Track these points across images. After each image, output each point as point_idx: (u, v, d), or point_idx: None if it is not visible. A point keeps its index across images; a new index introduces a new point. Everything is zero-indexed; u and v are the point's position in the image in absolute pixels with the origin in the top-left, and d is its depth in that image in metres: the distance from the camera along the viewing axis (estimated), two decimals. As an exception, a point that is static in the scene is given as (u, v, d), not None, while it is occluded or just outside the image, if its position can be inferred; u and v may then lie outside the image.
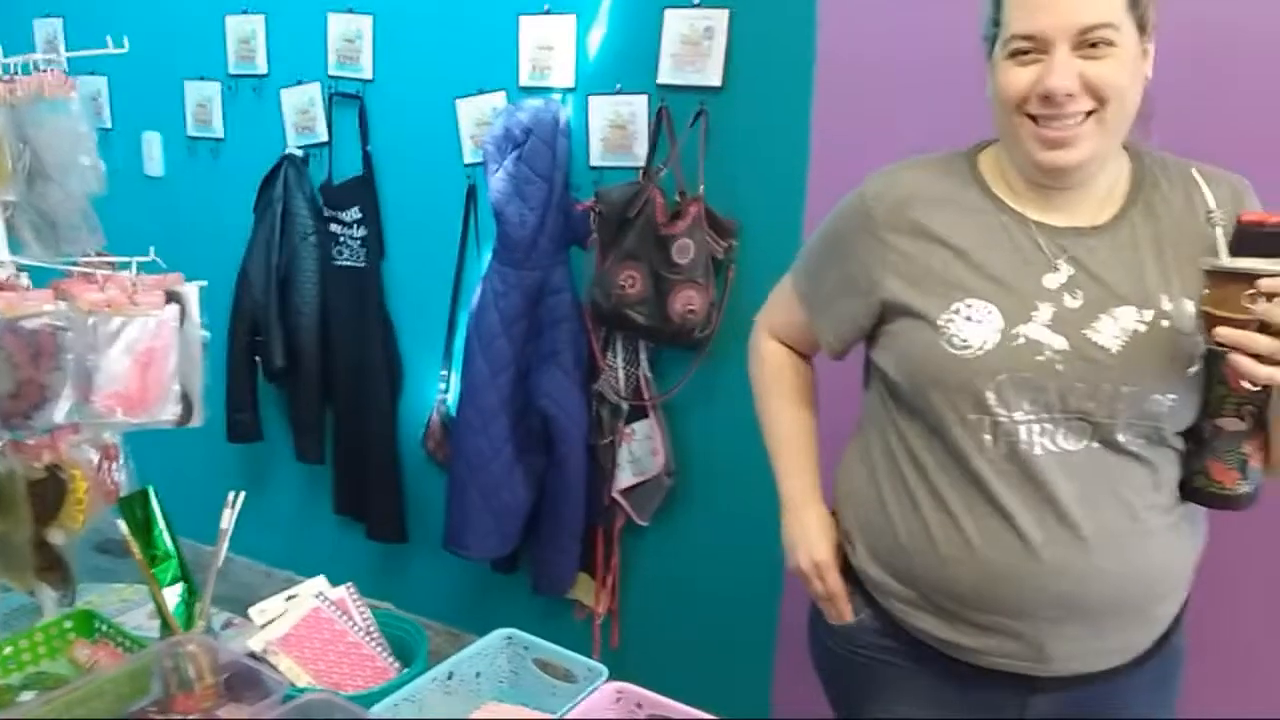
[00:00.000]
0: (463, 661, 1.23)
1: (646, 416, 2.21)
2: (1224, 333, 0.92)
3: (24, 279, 1.19)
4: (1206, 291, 0.95)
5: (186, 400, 1.29)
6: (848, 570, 1.23)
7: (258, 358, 2.74)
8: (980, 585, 1.07)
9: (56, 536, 1.23)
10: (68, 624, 1.26)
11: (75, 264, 1.16)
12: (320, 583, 1.34)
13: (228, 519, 1.23)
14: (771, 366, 1.35)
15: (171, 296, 1.21)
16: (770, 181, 2.00)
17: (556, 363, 2.21)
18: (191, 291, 1.24)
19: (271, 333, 2.64)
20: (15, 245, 1.16)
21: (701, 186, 2.01)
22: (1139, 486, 1.05)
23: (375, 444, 2.65)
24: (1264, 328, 0.90)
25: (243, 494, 1.26)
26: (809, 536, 1.27)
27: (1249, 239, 0.95)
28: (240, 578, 2.91)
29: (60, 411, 1.16)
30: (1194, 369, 1.03)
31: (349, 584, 1.35)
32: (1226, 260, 0.94)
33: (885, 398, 1.18)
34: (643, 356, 2.19)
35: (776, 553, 2.13)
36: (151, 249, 1.27)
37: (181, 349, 1.26)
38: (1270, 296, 0.89)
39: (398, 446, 2.65)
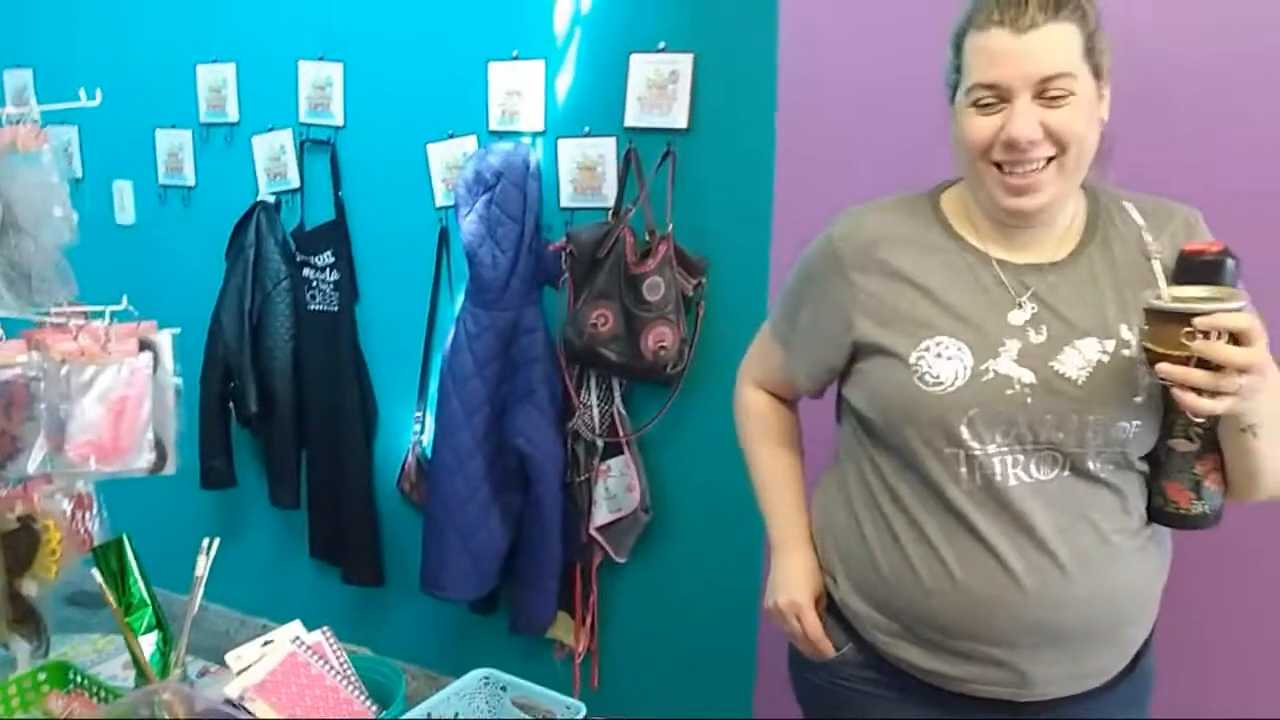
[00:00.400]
0: (440, 703, 1.23)
1: (622, 453, 2.23)
2: (1164, 369, 0.95)
3: (-4, 331, 1.20)
4: (1146, 328, 0.99)
5: (160, 448, 1.30)
6: (830, 604, 1.25)
7: (231, 404, 2.74)
8: (963, 615, 1.09)
9: (29, 588, 1.23)
10: (41, 675, 1.25)
11: (48, 314, 1.17)
12: (296, 627, 1.33)
13: (202, 565, 1.23)
14: (755, 414, 1.38)
15: (144, 345, 1.22)
16: (737, 219, 2.04)
17: (531, 402, 2.22)
18: (164, 339, 1.25)
19: (245, 378, 2.64)
20: (-13, 297, 1.17)
21: (670, 225, 2.05)
22: (1109, 511, 1.08)
23: (350, 487, 2.64)
24: (1202, 363, 0.93)
25: (217, 540, 1.26)
26: (791, 578, 1.29)
27: (1191, 268, 0.99)
28: (215, 626, 2.87)
29: (33, 462, 1.16)
30: (1151, 397, 1.06)
31: (325, 628, 1.35)
32: (1164, 299, 0.97)
33: (859, 433, 1.20)
34: (616, 394, 2.21)
35: (754, 585, 2.15)
36: (124, 297, 1.28)
37: (155, 396, 1.27)
38: (1206, 333, 0.93)
39: (373, 489, 2.65)
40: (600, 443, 2.23)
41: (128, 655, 1.22)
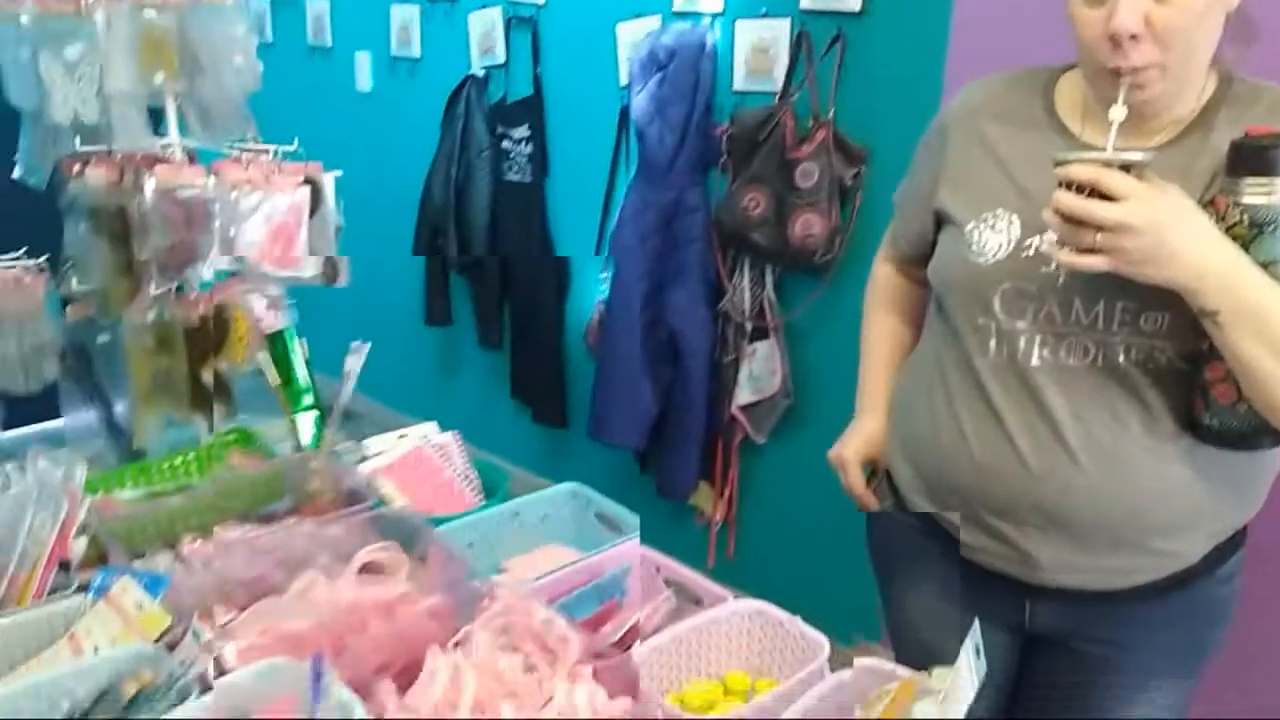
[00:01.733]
0: (529, 504, 1.43)
1: (768, 337, 2.33)
2: (1047, 215, 0.97)
3: (184, 157, 1.48)
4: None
5: (332, 262, 1.56)
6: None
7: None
8: (973, 482, 1.14)
9: (221, 367, 1.53)
10: (229, 437, 1.57)
11: (229, 147, 1.43)
12: (430, 427, 1.58)
13: (350, 363, 1.48)
14: (876, 283, 1.46)
15: (310, 181, 1.46)
16: (902, 110, 2.03)
17: (687, 280, 2.36)
18: (328, 179, 1.48)
19: (448, 239, 2.96)
20: (182, 129, 1.45)
21: (832, 112, 2.07)
22: (1134, 409, 1.07)
23: (543, 337, 2.92)
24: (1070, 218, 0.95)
25: (368, 344, 1.50)
26: (850, 436, 1.38)
27: (1241, 154, 0.95)
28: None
29: (208, 270, 1.45)
30: None
31: (455, 431, 1.59)
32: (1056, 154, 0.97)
33: (933, 304, 1.26)
34: (768, 279, 2.30)
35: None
36: (295, 140, 1.51)
37: (318, 229, 1.52)
38: (1071, 185, 0.94)
39: (563, 340, 2.90)
40: (749, 325, 2.33)
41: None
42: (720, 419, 2.45)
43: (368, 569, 1.24)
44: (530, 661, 1.06)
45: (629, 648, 1.10)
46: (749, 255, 2.27)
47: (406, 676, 1.05)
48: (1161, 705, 1.21)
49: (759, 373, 2.36)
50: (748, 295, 2.32)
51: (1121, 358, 1.06)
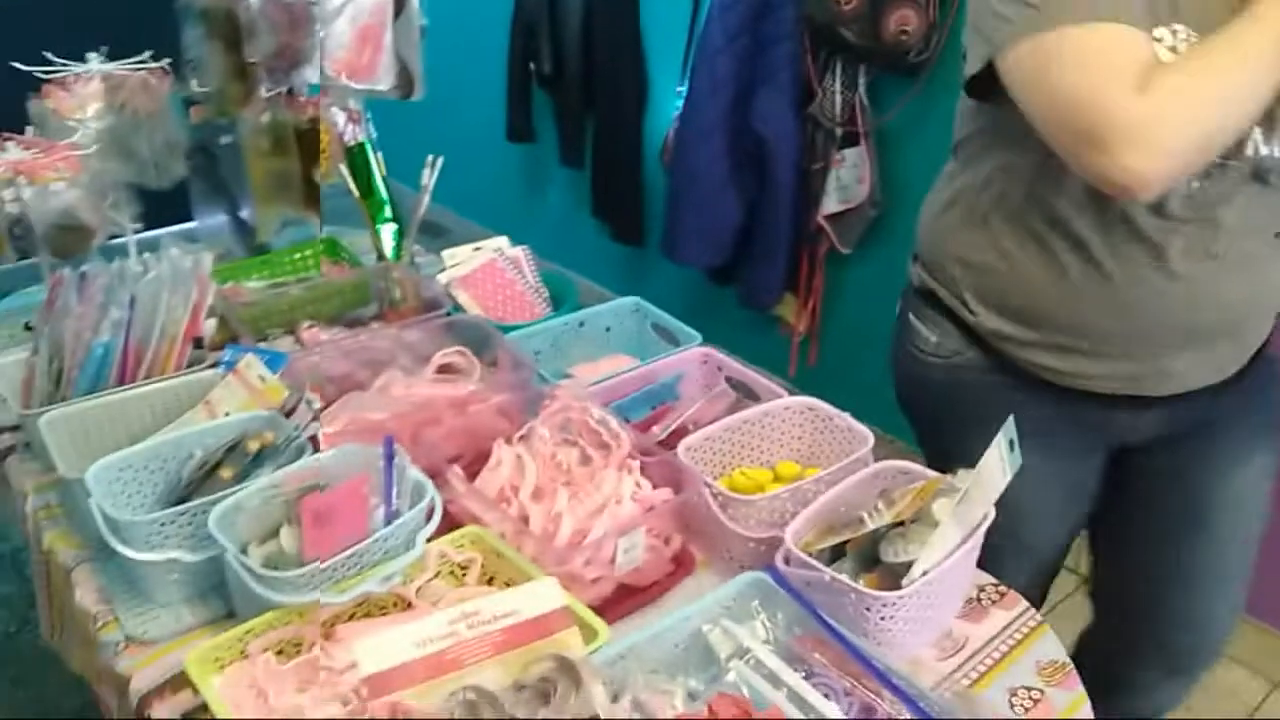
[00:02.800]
0: (594, 315, 1.55)
1: (858, 144, 2.31)
2: None
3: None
4: None
5: (407, 75, 1.63)
6: (945, 311, 1.28)
7: (532, 64, 3.10)
8: (1113, 316, 1.14)
9: (316, 176, 1.66)
10: (320, 245, 1.72)
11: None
12: (502, 240, 1.69)
13: (427, 176, 1.59)
14: None
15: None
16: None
17: (775, 84, 2.33)
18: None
19: (541, 40, 2.97)
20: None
21: (934, -104, 1.96)
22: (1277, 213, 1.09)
23: (623, 153, 2.97)
24: None
25: (441, 158, 1.59)
26: None
27: None
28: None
29: (314, 72, 1.54)
30: None
31: (525, 246, 1.69)
32: None
33: (1002, 139, 1.17)
34: (860, 81, 2.25)
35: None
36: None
37: (402, 31, 1.58)
38: None
39: (642, 157, 2.94)
40: (838, 131, 2.31)
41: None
42: (806, 229, 2.48)
43: (443, 370, 1.39)
44: (586, 455, 1.20)
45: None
46: (840, 55, 2.22)
47: (475, 468, 1.21)
48: (1255, 477, 1.30)
49: (847, 180, 2.36)
50: (838, 99, 2.29)
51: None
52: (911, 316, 1.34)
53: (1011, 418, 1.00)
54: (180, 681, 1.00)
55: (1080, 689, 0.99)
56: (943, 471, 1.08)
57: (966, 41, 1.13)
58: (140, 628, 1.08)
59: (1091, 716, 0.97)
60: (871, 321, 2.53)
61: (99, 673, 1.14)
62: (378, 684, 0.79)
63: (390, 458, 1.04)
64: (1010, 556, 1.19)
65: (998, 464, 1.00)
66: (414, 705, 0.79)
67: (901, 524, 1.03)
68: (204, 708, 0.96)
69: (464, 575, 1.09)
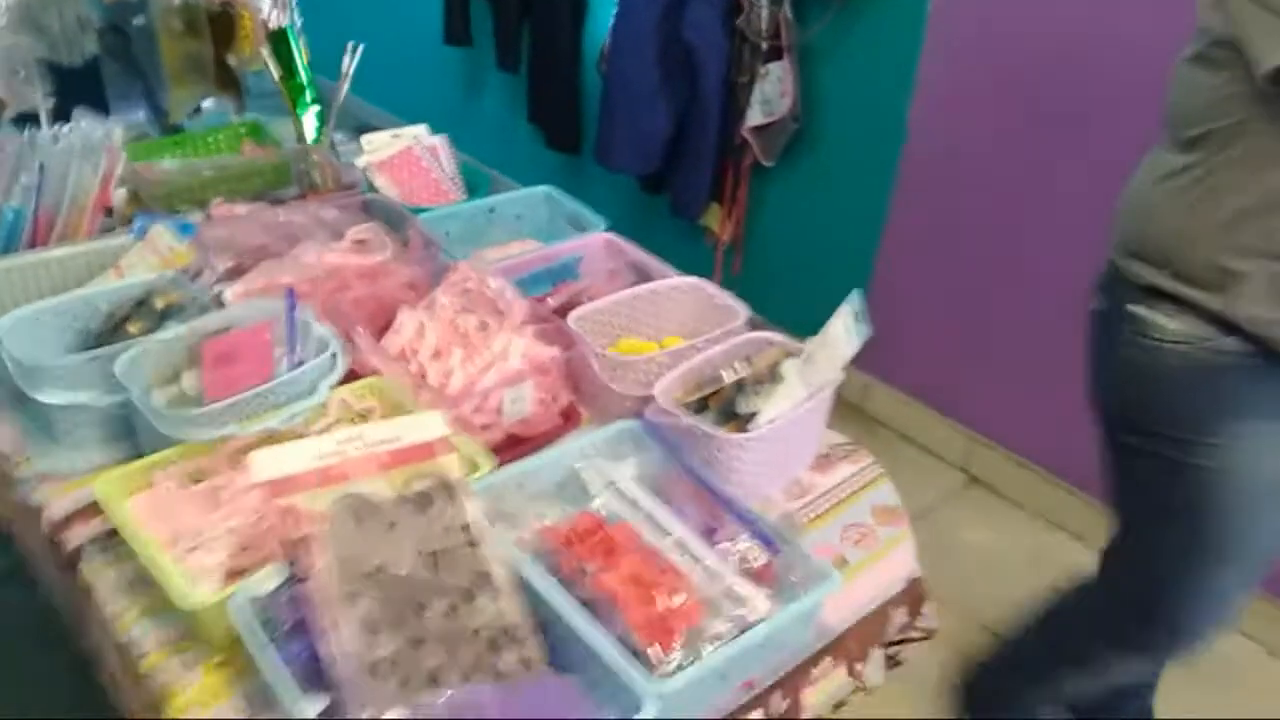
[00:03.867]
0: (506, 201, 1.65)
1: (781, 58, 2.41)
2: None
3: None
4: None
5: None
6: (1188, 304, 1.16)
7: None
8: None
9: (232, 60, 1.72)
10: (242, 130, 1.79)
11: None
12: (420, 129, 1.77)
13: (347, 63, 1.66)
14: None
15: None
16: None
17: (705, -7, 2.41)
18: None
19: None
20: None
21: None
22: None
23: (559, 61, 3.02)
24: None
25: (362, 45, 1.67)
26: None
27: None
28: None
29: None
30: None
31: (444, 135, 1.78)
32: None
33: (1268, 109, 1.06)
34: (786, -3, 2.34)
35: (882, 205, 2.37)
36: None
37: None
38: None
39: (579, 66, 3.01)
40: (764, 45, 2.40)
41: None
42: (731, 141, 2.58)
43: (358, 249, 1.49)
44: (483, 321, 1.31)
45: (571, 317, 1.34)
46: (766, -31, 2.30)
47: (381, 336, 1.31)
48: None
49: (770, 95, 2.46)
50: (764, 13, 2.37)
51: None
52: (1133, 308, 1.20)
53: (856, 291, 1.12)
54: (91, 511, 1.11)
55: (905, 527, 1.14)
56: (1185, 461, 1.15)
57: (1250, 23, 1.01)
58: (53, 466, 1.18)
59: (914, 552, 1.12)
60: (794, 230, 2.66)
61: (15, 510, 1.24)
62: (273, 489, 0.90)
63: (292, 307, 1.15)
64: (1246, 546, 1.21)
65: (843, 331, 1.13)
66: (304, 508, 0.90)
67: (761, 382, 1.16)
68: (113, 533, 1.07)
69: (364, 423, 1.21)
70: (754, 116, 2.49)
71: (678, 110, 2.60)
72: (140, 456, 1.18)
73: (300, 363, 1.17)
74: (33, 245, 1.40)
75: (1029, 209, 2.14)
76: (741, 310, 1.32)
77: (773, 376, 1.14)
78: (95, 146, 1.42)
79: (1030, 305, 2.21)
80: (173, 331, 1.16)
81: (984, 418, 2.40)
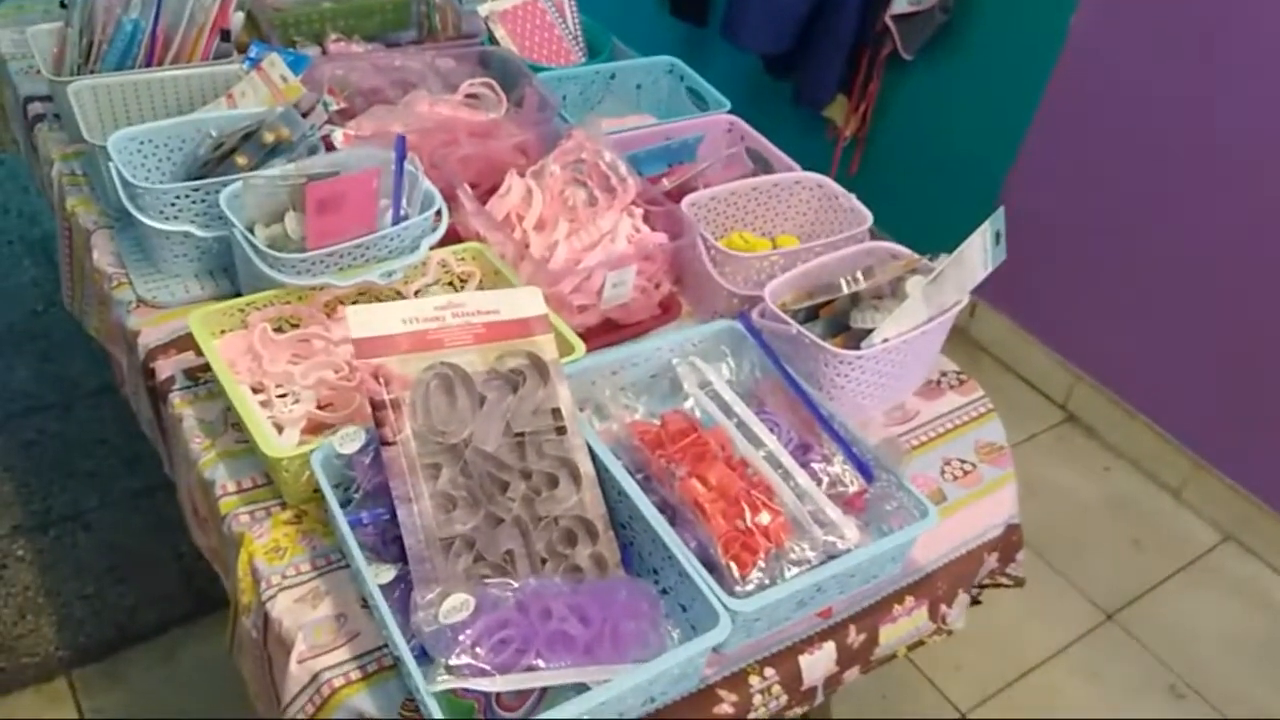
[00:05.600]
0: (627, 69, 1.57)
1: (940, -60, 2.22)
2: None
3: None
4: None
5: None
6: None
7: None
8: None
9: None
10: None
11: None
12: (544, -17, 1.68)
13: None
14: None
15: None
16: None
17: None
18: None
19: None
20: None
21: None
22: None
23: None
24: None
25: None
26: None
27: None
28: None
29: None
30: None
31: (570, -7, 1.69)
32: None
33: None
34: None
35: (1024, 120, 2.22)
36: None
37: None
38: None
39: (714, -71, 2.85)
40: (922, -77, 2.22)
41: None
42: (870, 27, 2.42)
43: (469, 99, 1.44)
44: (593, 196, 1.26)
45: (685, 202, 1.28)
46: None
47: (486, 197, 1.27)
48: None
49: (921, -20, 2.29)
50: (927, -113, 2.19)
51: None
52: None
53: (1001, 209, 1.03)
54: (184, 342, 1.11)
55: (1010, 469, 1.08)
56: None
57: None
58: (150, 292, 1.19)
59: (1015, 496, 1.07)
60: (922, 134, 2.52)
61: (110, 330, 1.26)
62: (365, 348, 0.88)
63: (402, 157, 1.11)
64: None
65: (979, 252, 1.05)
66: (395, 371, 0.88)
67: (880, 297, 1.10)
68: (205, 368, 1.07)
69: (461, 287, 1.18)
70: (899, 3, 2.33)
71: (817, -13, 2.44)
72: (235, 291, 1.18)
73: (404, 216, 1.14)
74: (148, 62, 1.38)
75: (1181, 151, 1.97)
76: (866, 216, 1.24)
77: (894, 292, 1.07)
78: (218, -37, 1.38)
79: (1163, 250, 2.06)
80: (279, 169, 1.13)
81: (1093, 356, 2.28)
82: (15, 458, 1.97)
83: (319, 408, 1.00)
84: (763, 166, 1.41)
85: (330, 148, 1.22)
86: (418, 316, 0.92)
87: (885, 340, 1.03)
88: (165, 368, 1.09)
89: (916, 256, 1.13)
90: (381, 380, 0.88)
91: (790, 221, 1.33)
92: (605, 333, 1.18)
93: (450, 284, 1.18)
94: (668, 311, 1.23)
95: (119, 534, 1.84)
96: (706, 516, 0.85)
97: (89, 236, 1.28)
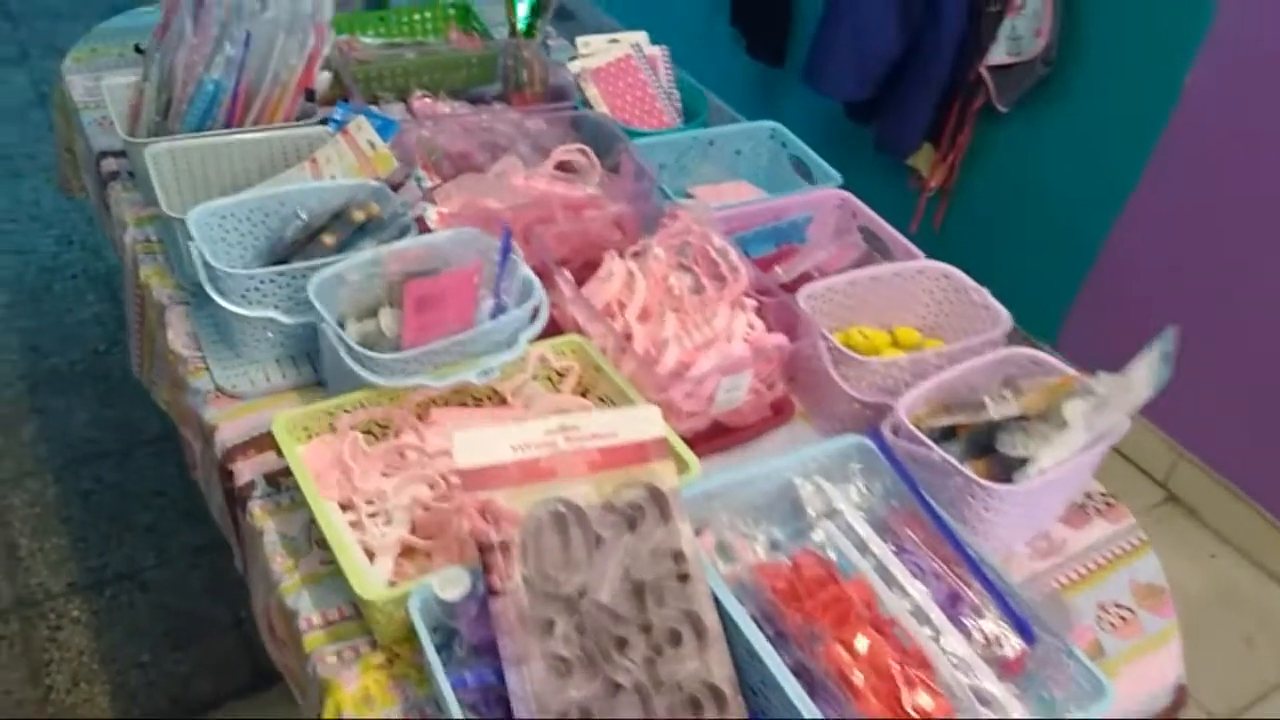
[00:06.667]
0: (727, 135, 1.48)
1: (1044, -11, 2.11)
2: None
3: None
4: None
5: None
6: None
7: None
8: None
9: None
10: (450, 11, 1.65)
11: None
12: (640, 36, 1.60)
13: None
14: None
15: None
16: None
17: (966, -99, 2.12)
18: None
19: None
20: None
21: None
22: None
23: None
24: None
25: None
26: None
27: None
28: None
29: None
30: None
31: (664, 46, 1.61)
32: None
33: None
34: (1064, -86, 2.04)
35: (1129, 179, 2.10)
36: None
37: None
38: None
39: (796, -33, 2.75)
40: (1026, -29, 2.11)
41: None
42: (963, 77, 2.31)
43: (561, 167, 1.35)
44: (700, 284, 1.17)
45: (797, 291, 1.18)
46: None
47: (581, 275, 1.18)
48: None
49: (1022, 31, 2.17)
50: (1033, -67, 2.08)
51: None
52: None
53: (1172, 329, 0.93)
54: (264, 442, 1.03)
55: (1173, 619, 0.97)
56: None
57: None
58: (229, 380, 1.11)
59: (1180, 652, 0.96)
60: (1014, 189, 2.40)
61: (183, 413, 1.19)
62: (473, 480, 0.80)
63: (507, 250, 1.03)
64: None
65: (1145, 375, 0.94)
66: (504, 506, 0.80)
67: (1025, 417, 0.99)
68: (286, 472, 0.99)
69: (560, 382, 1.09)
70: (997, 53, 2.22)
71: (911, 34, 2.34)
72: (320, 383, 1.10)
73: (502, 308, 1.06)
74: (229, 122, 1.32)
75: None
76: (1003, 316, 1.13)
77: (1050, 417, 0.96)
78: (304, 20, 1.31)
79: (1272, 323, 1.93)
80: (371, 254, 1.06)
81: (1196, 432, 2.15)
82: (73, 508, 1.91)
83: (412, 531, 0.92)
84: (877, 247, 1.31)
85: (423, 227, 1.15)
86: (529, 443, 0.83)
87: (1043, 472, 0.92)
88: (245, 470, 1.02)
89: (1066, 370, 1.03)
90: (491, 517, 0.79)
91: (910, 312, 1.23)
92: (714, 437, 1.09)
93: (548, 378, 1.10)
94: (780, 413, 1.13)
95: (176, 595, 1.78)
96: (856, 694, 0.75)
97: (163, 312, 1.21)
